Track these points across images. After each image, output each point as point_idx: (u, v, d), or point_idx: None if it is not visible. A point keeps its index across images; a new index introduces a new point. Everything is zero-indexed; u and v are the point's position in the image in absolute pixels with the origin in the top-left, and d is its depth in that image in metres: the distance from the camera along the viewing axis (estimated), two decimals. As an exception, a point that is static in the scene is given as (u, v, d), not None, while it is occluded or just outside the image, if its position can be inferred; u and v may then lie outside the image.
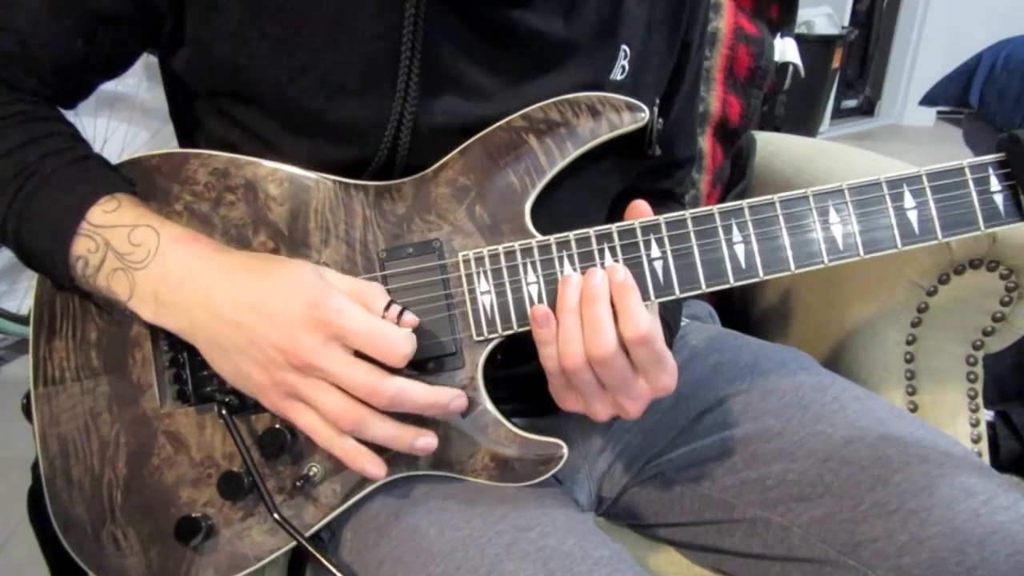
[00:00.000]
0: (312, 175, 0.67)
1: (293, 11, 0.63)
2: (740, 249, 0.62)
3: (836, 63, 3.57)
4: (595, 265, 0.63)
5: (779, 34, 1.34)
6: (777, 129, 1.54)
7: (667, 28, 0.78)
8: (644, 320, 0.59)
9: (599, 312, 0.60)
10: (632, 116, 0.67)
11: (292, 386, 0.59)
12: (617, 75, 0.73)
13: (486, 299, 0.65)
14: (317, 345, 0.57)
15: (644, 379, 0.61)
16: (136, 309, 0.63)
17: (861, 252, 0.62)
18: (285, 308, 0.58)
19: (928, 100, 4.05)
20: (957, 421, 0.95)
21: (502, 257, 0.64)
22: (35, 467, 0.70)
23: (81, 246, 0.63)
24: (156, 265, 0.62)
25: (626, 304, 0.60)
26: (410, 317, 0.62)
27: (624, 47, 0.73)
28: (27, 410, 0.71)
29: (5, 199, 0.64)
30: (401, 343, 0.58)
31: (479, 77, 0.68)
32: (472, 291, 0.65)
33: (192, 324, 0.62)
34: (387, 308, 0.61)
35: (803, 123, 3.35)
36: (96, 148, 0.70)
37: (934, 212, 0.62)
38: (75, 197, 0.64)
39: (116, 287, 0.63)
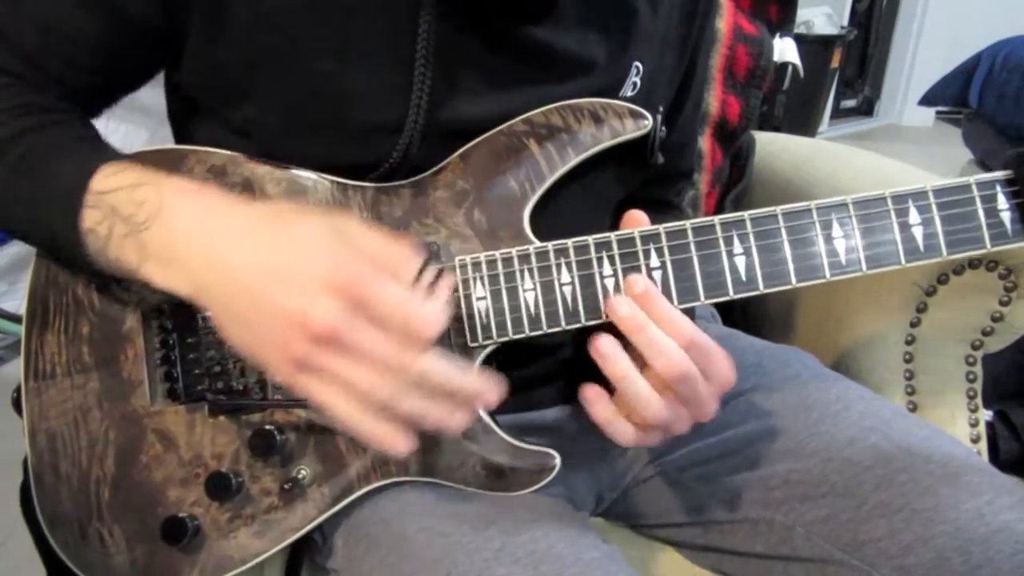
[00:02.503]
0: (310, 175, 0.66)
1: (301, 24, 0.62)
2: (741, 261, 0.62)
3: (835, 63, 3.56)
4: (593, 273, 0.62)
5: (778, 34, 1.34)
6: (777, 129, 1.53)
7: (678, 45, 0.77)
8: (685, 323, 0.58)
9: (652, 334, 0.58)
10: (635, 123, 0.66)
11: (309, 359, 0.52)
12: (628, 91, 0.72)
13: (482, 305, 0.64)
14: (340, 313, 0.50)
15: (706, 379, 0.60)
16: (148, 276, 0.58)
17: (864, 268, 0.61)
18: (302, 271, 0.52)
19: (927, 100, 4.06)
20: (957, 421, 0.94)
21: (499, 263, 0.64)
22: (26, 462, 0.69)
23: (89, 219, 0.60)
24: (160, 221, 0.57)
25: (661, 314, 0.59)
26: (445, 283, 0.56)
27: (637, 64, 0.72)
28: (17, 404, 0.70)
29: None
30: (430, 322, 0.51)
31: (491, 91, 0.67)
32: (468, 297, 0.64)
33: (199, 287, 0.56)
34: (422, 270, 0.54)
35: (802, 123, 3.35)
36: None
37: (939, 229, 0.61)
38: (76, 169, 0.61)
39: (126, 256, 0.59)
